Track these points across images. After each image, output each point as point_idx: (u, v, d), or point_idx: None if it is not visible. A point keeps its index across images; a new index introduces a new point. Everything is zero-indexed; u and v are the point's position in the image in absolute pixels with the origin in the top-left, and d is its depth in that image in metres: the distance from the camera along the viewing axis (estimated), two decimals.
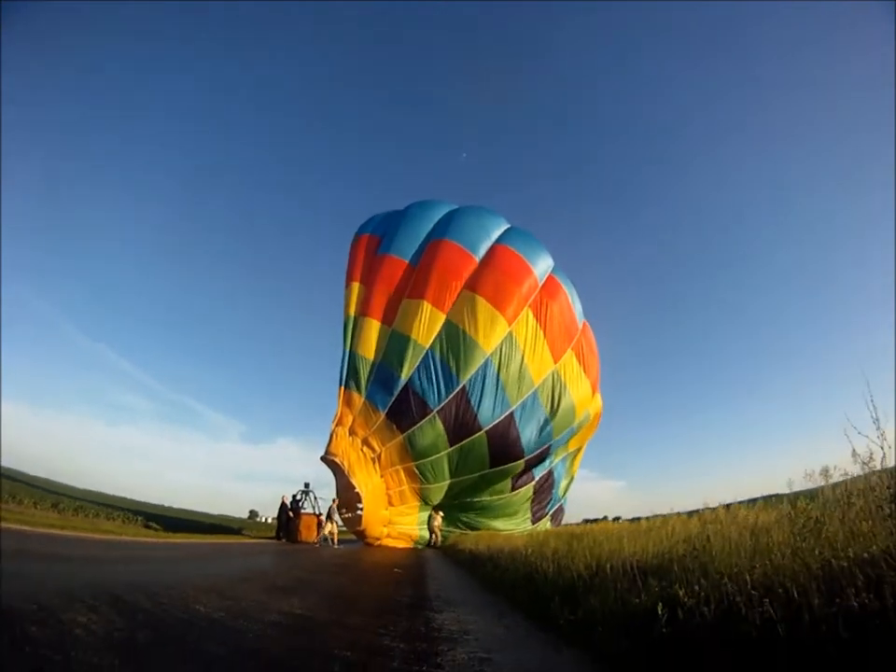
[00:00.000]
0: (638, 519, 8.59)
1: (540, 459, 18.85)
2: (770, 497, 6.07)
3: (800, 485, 4.07)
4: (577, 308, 19.67)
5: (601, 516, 21.82)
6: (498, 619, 4.41)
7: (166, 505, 49.77)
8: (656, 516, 6.98)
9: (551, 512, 21.58)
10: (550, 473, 20.35)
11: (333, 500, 18.05)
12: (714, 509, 5.51)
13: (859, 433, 3.12)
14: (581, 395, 18.98)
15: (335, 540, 17.23)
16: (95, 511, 14.08)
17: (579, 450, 22.29)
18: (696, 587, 2.76)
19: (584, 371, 19.21)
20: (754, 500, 5.99)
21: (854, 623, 1.91)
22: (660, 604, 2.75)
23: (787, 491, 4.82)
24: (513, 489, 19.03)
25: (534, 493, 19.95)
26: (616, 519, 17.80)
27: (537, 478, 19.69)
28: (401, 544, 18.26)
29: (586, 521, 18.35)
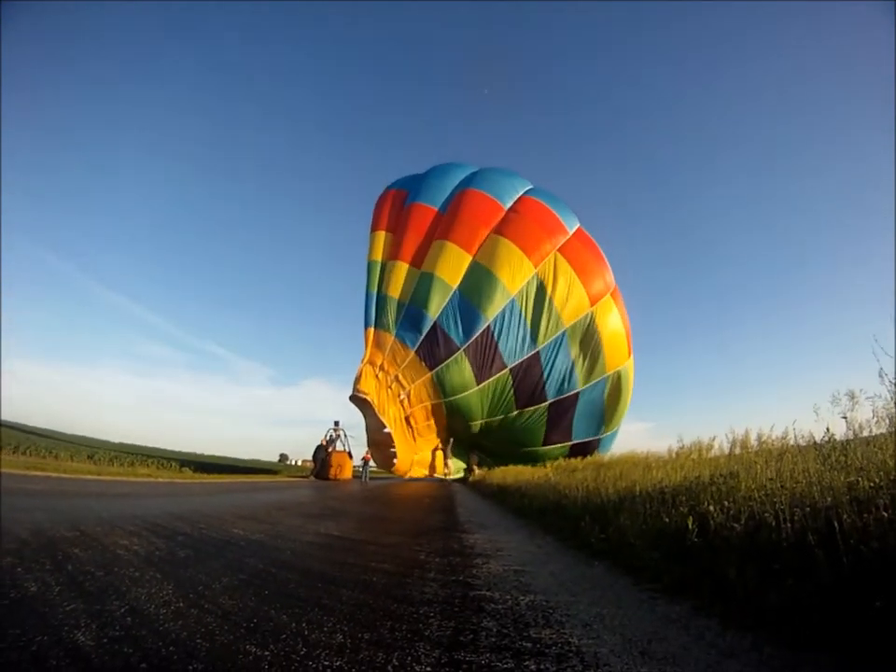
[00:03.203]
0: None
1: (569, 411, 18.27)
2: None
3: (826, 411, 3.89)
4: (608, 264, 19.06)
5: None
6: (530, 539, 4.51)
7: (198, 453, 52.36)
8: (682, 448, 6.93)
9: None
10: (594, 442, 19.27)
11: (367, 452, 18.91)
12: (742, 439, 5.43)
13: (887, 354, 3.01)
14: (615, 347, 18.32)
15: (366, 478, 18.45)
16: (130, 459, 14.70)
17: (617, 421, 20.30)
18: (726, 503, 2.83)
19: (623, 324, 18.71)
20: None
21: (883, 535, 1.93)
22: (690, 518, 2.84)
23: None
24: (545, 444, 18.79)
25: (569, 451, 19.01)
26: None
27: (573, 441, 18.98)
28: (423, 473, 19.05)
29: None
